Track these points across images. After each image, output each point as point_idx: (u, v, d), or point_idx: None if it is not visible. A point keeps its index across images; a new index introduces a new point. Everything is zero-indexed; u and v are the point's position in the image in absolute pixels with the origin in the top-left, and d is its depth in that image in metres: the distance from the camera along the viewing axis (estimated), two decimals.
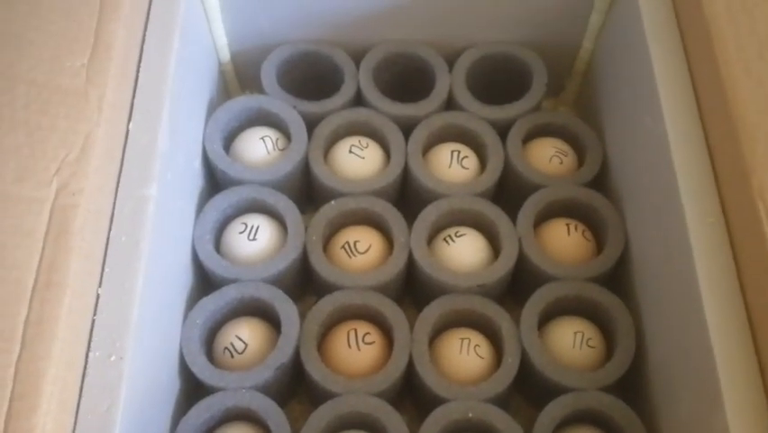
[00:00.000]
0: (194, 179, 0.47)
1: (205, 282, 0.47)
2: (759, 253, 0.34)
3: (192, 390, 0.43)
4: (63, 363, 0.33)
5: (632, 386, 0.44)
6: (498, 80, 0.53)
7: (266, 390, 0.42)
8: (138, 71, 0.42)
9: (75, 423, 0.33)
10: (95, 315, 0.36)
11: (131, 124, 0.40)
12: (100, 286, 0.36)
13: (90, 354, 0.35)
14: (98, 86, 0.39)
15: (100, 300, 0.36)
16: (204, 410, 0.41)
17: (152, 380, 0.38)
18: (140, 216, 0.38)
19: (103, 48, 0.40)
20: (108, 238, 0.37)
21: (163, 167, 0.41)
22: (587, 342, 0.44)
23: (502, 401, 0.43)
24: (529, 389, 0.46)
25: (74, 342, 0.34)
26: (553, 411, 0.41)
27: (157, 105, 0.41)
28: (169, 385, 0.41)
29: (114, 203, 0.38)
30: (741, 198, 0.36)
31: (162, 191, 0.40)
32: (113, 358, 0.35)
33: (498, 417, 0.41)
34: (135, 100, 0.41)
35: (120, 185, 0.39)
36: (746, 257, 0.36)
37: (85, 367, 0.35)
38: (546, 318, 0.45)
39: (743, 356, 0.35)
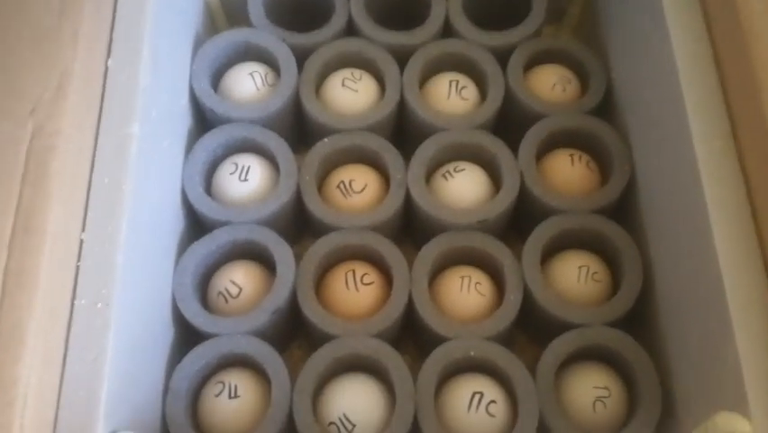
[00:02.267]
0: (181, 118, 0.45)
1: (196, 226, 0.45)
2: None
3: (186, 337, 0.42)
4: (46, 312, 0.32)
5: (639, 320, 0.42)
6: (497, 4, 0.50)
7: (262, 334, 0.41)
8: (116, 2, 0.40)
9: (62, 374, 0.32)
10: (78, 261, 0.34)
11: (109, 60, 0.38)
12: (83, 231, 0.35)
13: (75, 303, 0.34)
14: (73, 20, 0.37)
15: (84, 246, 0.34)
16: (199, 357, 0.40)
17: (143, 327, 0.37)
18: (122, 157, 0.36)
19: None
20: (90, 180, 0.36)
21: (146, 104, 0.39)
22: (592, 276, 0.42)
23: (505, 339, 0.42)
24: (533, 326, 0.44)
25: (57, 290, 0.33)
26: (558, 348, 0.40)
27: (137, 39, 0.39)
28: (162, 332, 0.40)
29: (96, 143, 0.36)
30: (751, 118, 0.34)
31: (146, 130, 0.38)
32: (99, 306, 0.34)
33: (500, 354, 0.40)
34: (114, 33, 0.39)
35: (100, 124, 0.37)
36: (757, 182, 0.34)
37: (70, 316, 0.33)
38: (550, 253, 0.44)
39: (753, 286, 0.33)
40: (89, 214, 0.35)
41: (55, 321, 0.33)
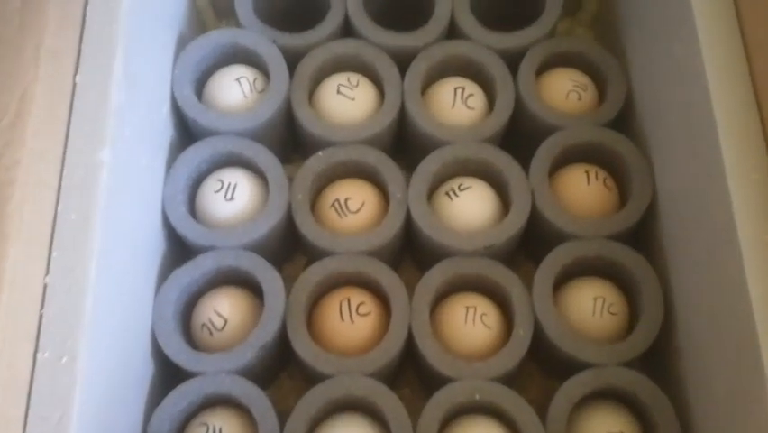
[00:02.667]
0: (161, 131, 0.41)
1: (179, 248, 0.42)
2: None
3: (168, 373, 0.39)
4: (5, 368, 0.29)
5: (658, 358, 0.39)
6: (508, 2, 0.46)
7: (249, 371, 0.38)
8: (85, 7, 0.36)
9: None
10: (41, 309, 0.31)
11: (78, 76, 0.34)
12: (47, 274, 0.31)
13: (38, 356, 0.30)
14: (34, 32, 0.33)
15: (47, 291, 0.31)
16: (180, 398, 0.37)
17: (117, 374, 0.34)
18: (92, 187, 0.33)
19: None
20: (55, 216, 0.32)
21: (119, 123, 0.35)
22: (608, 308, 0.39)
23: (512, 376, 0.39)
24: (544, 358, 0.41)
25: (17, 342, 0.30)
26: (571, 391, 0.37)
27: (108, 49, 0.35)
28: (140, 371, 0.37)
29: (61, 173, 0.33)
30: None
31: (119, 152, 0.35)
32: (64, 360, 0.30)
33: (507, 397, 0.37)
34: (83, 45, 0.35)
35: (66, 151, 0.33)
36: None
37: (32, 371, 0.30)
38: (563, 281, 0.40)
39: None
40: (54, 255, 0.31)
41: (14, 377, 0.29)
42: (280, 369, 0.43)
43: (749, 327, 0.31)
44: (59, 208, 0.32)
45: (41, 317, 0.31)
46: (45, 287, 0.31)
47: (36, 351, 0.30)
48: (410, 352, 0.40)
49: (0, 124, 0.31)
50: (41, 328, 0.31)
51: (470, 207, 0.41)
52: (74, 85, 0.34)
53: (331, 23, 0.44)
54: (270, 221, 0.40)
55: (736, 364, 0.33)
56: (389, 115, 0.42)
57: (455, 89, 0.43)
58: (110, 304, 0.33)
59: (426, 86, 0.44)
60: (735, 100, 0.34)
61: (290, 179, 0.41)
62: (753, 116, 0.34)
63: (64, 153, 0.33)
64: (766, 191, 0.32)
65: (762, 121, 0.33)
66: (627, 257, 0.39)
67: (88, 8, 0.36)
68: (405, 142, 0.45)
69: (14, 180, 0.30)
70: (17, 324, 0.30)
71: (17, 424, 0.29)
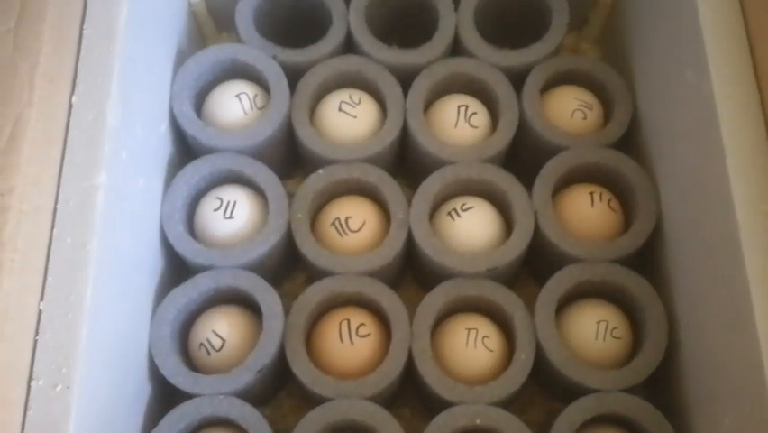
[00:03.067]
0: (160, 148, 0.41)
1: (177, 267, 0.41)
2: None
3: (165, 394, 0.38)
4: None
5: (663, 386, 0.39)
6: (513, 18, 0.45)
7: (247, 392, 0.37)
8: (82, 26, 0.35)
9: None
10: (36, 336, 0.30)
11: (74, 98, 0.34)
12: (42, 300, 0.31)
13: (32, 384, 0.30)
14: (29, 54, 0.32)
15: (42, 318, 0.31)
16: (177, 420, 0.36)
17: (113, 399, 0.34)
18: (87, 211, 0.32)
19: (32, 6, 0.33)
20: (50, 242, 0.32)
21: (115, 146, 0.34)
22: (611, 332, 0.38)
23: (513, 399, 0.39)
24: (545, 381, 0.41)
25: (11, 371, 0.29)
26: (572, 416, 0.36)
27: (105, 69, 0.35)
28: (138, 393, 0.37)
29: (56, 198, 0.32)
30: None
31: (115, 176, 0.34)
32: (59, 388, 0.30)
33: (509, 423, 0.36)
34: (79, 66, 0.35)
35: (62, 176, 0.33)
36: None
37: (26, 400, 0.30)
38: (566, 303, 0.40)
39: None
40: (49, 280, 0.31)
41: (7, 407, 0.29)
42: (279, 388, 0.42)
43: (755, 356, 0.30)
44: (54, 233, 0.32)
45: (35, 343, 0.30)
46: (40, 313, 0.31)
47: (30, 379, 0.30)
48: (410, 374, 0.40)
49: None
50: (36, 356, 0.30)
51: (472, 228, 0.40)
52: (70, 107, 0.34)
53: (333, 38, 0.44)
54: (270, 240, 0.39)
55: (741, 394, 0.32)
56: (392, 134, 0.42)
57: (459, 107, 0.43)
58: (106, 328, 0.33)
59: (429, 103, 0.43)
60: (745, 131, 0.33)
61: (291, 195, 0.41)
62: (763, 149, 0.33)
63: (59, 177, 0.32)
64: None
65: None
66: (632, 281, 0.39)
67: (85, 28, 0.35)
68: (407, 161, 0.44)
69: (9, 207, 0.30)
70: (11, 351, 0.29)
71: None
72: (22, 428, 0.29)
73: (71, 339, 0.31)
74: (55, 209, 0.32)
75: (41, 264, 0.31)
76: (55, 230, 0.32)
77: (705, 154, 0.35)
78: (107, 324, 0.33)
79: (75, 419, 0.30)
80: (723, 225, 0.33)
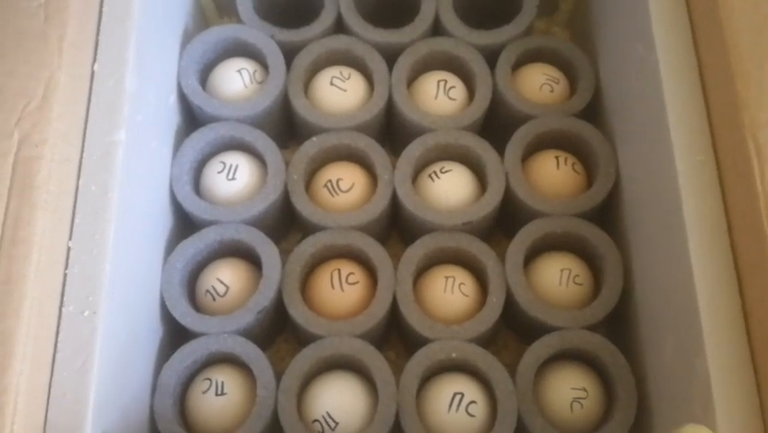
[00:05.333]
0: (169, 117, 0.45)
1: (185, 223, 0.46)
2: (747, 193, 0.33)
3: (175, 334, 0.43)
4: (34, 321, 0.32)
5: (619, 324, 0.43)
6: (487, 3, 0.50)
7: (248, 333, 0.41)
8: (102, 5, 0.40)
9: (50, 381, 0.33)
10: (66, 269, 0.35)
11: (96, 65, 0.38)
12: (70, 239, 0.35)
13: (63, 310, 0.34)
14: (58, 25, 0.37)
15: (71, 254, 0.35)
16: (187, 355, 0.41)
17: (131, 331, 0.38)
18: (109, 164, 0.37)
19: None
20: (77, 188, 0.36)
21: (133, 109, 0.39)
22: (574, 279, 0.43)
23: (488, 339, 0.43)
24: (516, 325, 0.45)
25: (45, 298, 0.34)
26: (537, 351, 0.41)
27: (122, 42, 0.39)
28: (151, 331, 0.41)
29: (82, 151, 0.37)
30: (732, 134, 0.35)
31: (133, 134, 0.39)
32: (86, 313, 0.34)
33: (481, 356, 0.41)
34: (100, 38, 0.39)
35: (87, 131, 0.37)
36: (734, 197, 0.35)
37: (58, 323, 0.34)
38: (534, 255, 0.44)
39: (726, 299, 0.34)
40: (76, 222, 0.36)
41: (43, 328, 0.33)
42: (277, 333, 0.47)
43: (691, 299, 0.35)
44: (80, 182, 0.36)
45: (65, 276, 0.35)
46: (69, 250, 0.35)
47: (62, 305, 0.34)
48: (395, 318, 0.44)
49: (29, 107, 0.35)
50: (66, 286, 0.35)
51: (450, 188, 0.45)
52: (92, 73, 0.38)
53: (325, 20, 0.48)
54: (268, 199, 0.44)
55: (679, 331, 0.36)
56: (378, 105, 0.46)
57: (438, 82, 0.47)
58: (126, 267, 0.37)
59: (412, 79, 0.48)
60: (684, 94, 0.38)
61: (287, 163, 0.45)
62: (700, 107, 0.38)
63: (84, 133, 0.37)
64: (709, 173, 0.36)
65: (707, 111, 0.37)
66: (592, 233, 0.43)
67: (105, 5, 0.40)
68: (392, 129, 0.49)
69: (42, 156, 0.34)
70: (45, 282, 0.34)
71: (46, 369, 0.33)
72: (55, 347, 0.34)
73: (96, 273, 0.35)
74: (81, 161, 0.37)
75: (70, 208, 0.36)
76: (81, 178, 0.36)
77: (652, 117, 0.39)
78: (127, 263, 0.37)
79: (100, 340, 0.34)
80: (666, 175, 0.37)
